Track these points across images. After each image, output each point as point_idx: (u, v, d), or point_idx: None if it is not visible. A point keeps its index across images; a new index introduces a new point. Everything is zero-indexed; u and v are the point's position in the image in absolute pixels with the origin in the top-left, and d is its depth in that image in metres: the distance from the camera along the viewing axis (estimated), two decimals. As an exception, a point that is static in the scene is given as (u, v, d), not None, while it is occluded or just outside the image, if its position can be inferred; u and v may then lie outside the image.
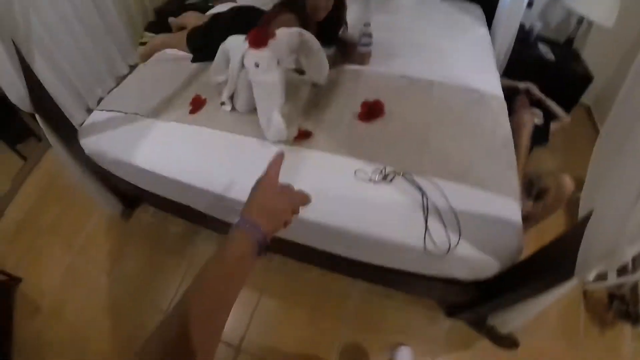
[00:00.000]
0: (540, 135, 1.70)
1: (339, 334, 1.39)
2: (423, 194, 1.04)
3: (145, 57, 1.78)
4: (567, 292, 0.91)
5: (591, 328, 1.46)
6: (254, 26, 1.26)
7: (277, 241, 1.26)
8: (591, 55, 2.12)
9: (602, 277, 1.58)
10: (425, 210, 1.01)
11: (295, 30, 1.27)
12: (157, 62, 1.69)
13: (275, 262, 1.54)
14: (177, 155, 1.23)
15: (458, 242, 0.98)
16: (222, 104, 1.35)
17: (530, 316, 1.10)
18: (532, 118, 1.64)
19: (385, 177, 1.07)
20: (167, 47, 1.75)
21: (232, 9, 1.69)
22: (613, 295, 1.53)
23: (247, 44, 1.22)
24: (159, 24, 2.30)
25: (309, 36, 1.29)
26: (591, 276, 0.79)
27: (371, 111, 1.26)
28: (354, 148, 1.17)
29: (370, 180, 1.07)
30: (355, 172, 1.09)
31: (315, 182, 1.09)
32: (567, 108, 1.91)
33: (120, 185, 1.50)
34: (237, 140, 1.24)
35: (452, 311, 1.40)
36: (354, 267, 1.21)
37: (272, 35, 1.23)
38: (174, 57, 1.68)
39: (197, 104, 1.38)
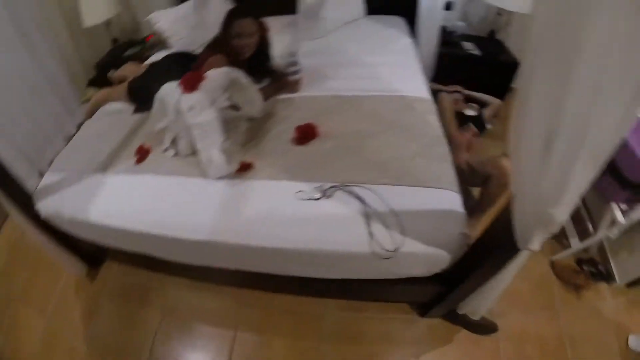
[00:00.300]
0: (477, 125, 1.81)
1: (322, 352, 1.39)
2: (362, 202, 1.09)
3: (90, 113, 1.79)
4: (522, 265, 0.93)
5: (567, 295, 1.50)
6: (188, 71, 1.32)
7: (238, 275, 1.27)
8: (515, 42, 2.24)
9: (565, 245, 1.65)
10: (366, 217, 1.06)
11: (224, 69, 1.33)
12: (101, 117, 1.72)
13: (244, 295, 1.53)
14: (129, 206, 1.24)
15: (403, 241, 1.02)
16: (166, 149, 1.38)
17: (495, 297, 1.13)
18: (448, 96, 1.73)
19: (324, 193, 1.11)
20: (109, 100, 1.77)
21: (167, 56, 1.75)
22: (581, 260, 1.57)
23: (180, 89, 1.27)
24: (100, 79, 2.32)
25: (238, 73, 1.36)
26: (536, 245, 0.81)
27: (305, 134, 1.32)
28: (294, 171, 1.22)
29: (311, 198, 1.11)
30: (296, 194, 1.13)
31: (260, 210, 1.13)
32: (501, 95, 2.04)
33: (81, 245, 1.48)
34: (184, 183, 1.26)
35: (424, 310, 1.43)
36: (318, 286, 1.23)
37: (203, 77, 1.29)
38: (116, 109, 1.71)
39: (142, 153, 1.40)
